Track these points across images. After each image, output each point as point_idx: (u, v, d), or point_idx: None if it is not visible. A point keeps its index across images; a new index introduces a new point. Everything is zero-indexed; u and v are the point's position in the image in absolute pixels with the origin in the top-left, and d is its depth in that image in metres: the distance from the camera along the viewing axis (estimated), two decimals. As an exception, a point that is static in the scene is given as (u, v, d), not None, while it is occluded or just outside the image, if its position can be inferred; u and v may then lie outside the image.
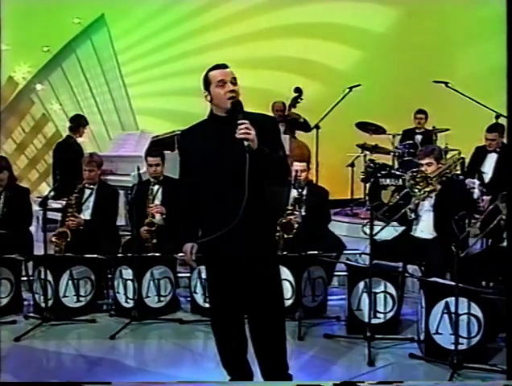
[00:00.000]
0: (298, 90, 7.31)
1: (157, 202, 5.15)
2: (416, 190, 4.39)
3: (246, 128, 2.73)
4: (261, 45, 8.97)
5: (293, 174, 4.97)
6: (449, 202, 4.43)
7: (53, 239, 4.85)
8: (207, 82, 2.90)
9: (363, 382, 3.43)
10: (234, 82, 2.86)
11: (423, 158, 4.59)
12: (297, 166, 5.05)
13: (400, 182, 6.44)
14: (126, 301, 4.67)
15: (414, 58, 8.14)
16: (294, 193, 4.89)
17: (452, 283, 3.59)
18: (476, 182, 5.32)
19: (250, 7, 8.96)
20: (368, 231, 4.03)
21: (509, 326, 3.22)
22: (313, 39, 8.92)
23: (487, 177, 5.61)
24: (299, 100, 7.32)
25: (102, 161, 5.45)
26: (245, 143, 2.73)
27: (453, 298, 3.61)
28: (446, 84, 6.57)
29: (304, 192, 4.94)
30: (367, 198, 6.75)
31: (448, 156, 5.51)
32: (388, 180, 6.49)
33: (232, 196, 2.83)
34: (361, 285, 4.20)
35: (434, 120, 7.16)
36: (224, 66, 2.91)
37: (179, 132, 6.48)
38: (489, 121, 6.32)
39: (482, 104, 6.37)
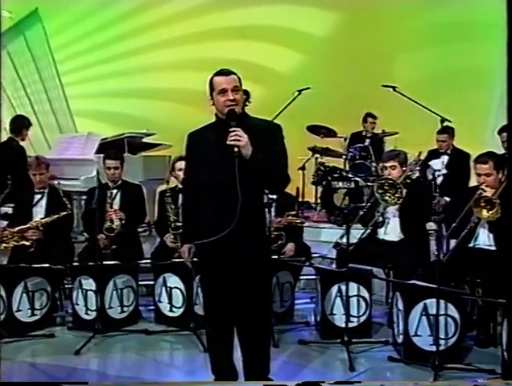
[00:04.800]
0: (245, 92, 7.18)
1: (115, 207, 4.92)
2: (387, 198, 4.43)
3: (236, 134, 2.81)
4: (203, 47, 8.86)
5: None
6: (415, 204, 4.51)
7: None
8: (211, 87, 2.97)
9: (324, 382, 3.39)
10: (237, 89, 2.93)
11: (387, 160, 4.65)
12: None
13: (352, 185, 6.52)
14: (87, 313, 4.43)
15: (357, 62, 8.27)
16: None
17: (431, 285, 3.64)
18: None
19: (192, 8, 8.84)
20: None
21: (508, 327, 3.30)
22: (254, 41, 8.92)
23: (439, 178, 5.76)
24: (247, 103, 7.23)
25: (49, 163, 5.15)
26: (235, 149, 2.81)
27: (431, 300, 3.68)
28: (394, 88, 6.70)
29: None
30: (319, 201, 6.79)
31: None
32: (340, 183, 6.54)
33: (227, 201, 2.89)
34: (335, 289, 4.20)
35: (382, 123, 7.31)
36: (228, 72, 2.96)
37: (129, 134, 6.32)
38: (435, 124, 6.52)
39: (428, 109, 6.56)
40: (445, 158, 5.82)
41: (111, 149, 5.78)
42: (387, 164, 4.61)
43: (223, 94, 2.91)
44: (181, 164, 5.00)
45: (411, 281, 3.82)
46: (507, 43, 3.13)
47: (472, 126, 6.37)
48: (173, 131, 7.56)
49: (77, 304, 4.47)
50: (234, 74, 2.96)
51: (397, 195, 4.42)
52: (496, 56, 7.64)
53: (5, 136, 5.85)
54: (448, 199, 5.53)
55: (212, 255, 2.96)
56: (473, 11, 7.68)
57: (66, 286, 4.82)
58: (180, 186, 5.02)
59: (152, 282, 4.72)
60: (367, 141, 7.01)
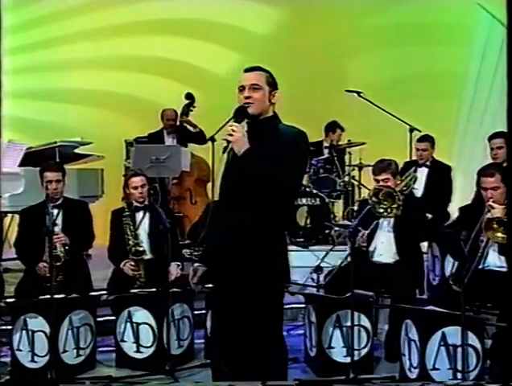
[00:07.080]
0: (190, 96, 7.09)
1: (57, 230, 4.58)
2: (382, 210, 4.39)
3: (232, 129, 2.89)
4: (126, 42, 8.58)
5: None
6: (411, 221, 4.52)
7: None
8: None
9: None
10: (255, 87, 2.97)
11: (379, 173, 4.60)
12: None
13: (317, 201, 6.49)
14: (33, 360, 4.05)
15: (306, 64, 8.29)
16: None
17: (455, 312, 3.63)
18: None
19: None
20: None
21: (509, 330, 3.34)
22: (184, 37, 8.75)
23: (418, 193, 5.79)
24: (191, 108, 7.11)
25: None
26: (225, 144, 2.93)
27: (451, 328, 3.67)
28: (359, 93, 6.76)
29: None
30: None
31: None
32: (304, 199, 6.49)
33: (228, 211, 2.97)
34: (333, 318, 4.11)
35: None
36: (252, 69, 3.04)
37: (61, 143, 6.00)
38: (404, 134, 6.63)
39: (396, 117, 6.65)
40: (424, 171, 5.87)
41: (40, 159, 5.46)
42: (379, 177, 4.57)
43: (241, 92, 2.99)
44: (136, 181, 4.77)
45: (429, 307, 3.80)
46: (507, 44, 3.23)
47: (439, 135, 6.50)
48: (104, 141, 7.25)
49: (20, 350, 4.07)
50: (261, 70, 3.02)
51: (394, 206, 4.39)
52: (463, 61, 8.01)
53: None
54: (429, 215, 5.59)
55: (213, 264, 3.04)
56: (436, 12, 7.96)
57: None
58: (136, 204, 4.80)
59: (106, 318, 4.45)
60: (330, 153, 7.00)
